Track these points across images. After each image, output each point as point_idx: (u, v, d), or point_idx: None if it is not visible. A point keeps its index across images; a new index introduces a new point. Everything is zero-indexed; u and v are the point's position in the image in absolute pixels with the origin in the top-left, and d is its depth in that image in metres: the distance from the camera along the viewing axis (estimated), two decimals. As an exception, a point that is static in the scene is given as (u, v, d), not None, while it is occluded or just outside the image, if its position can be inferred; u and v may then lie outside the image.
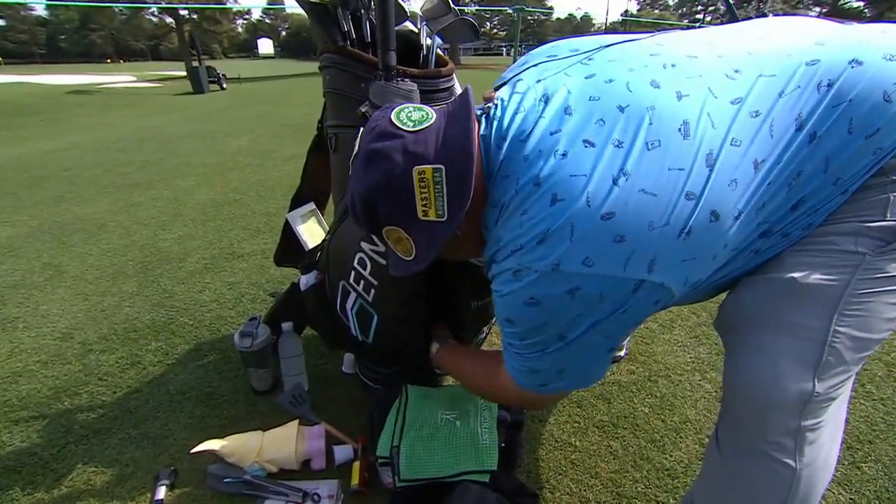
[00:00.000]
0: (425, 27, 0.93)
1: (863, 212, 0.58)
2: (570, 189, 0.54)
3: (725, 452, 0.68)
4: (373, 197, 0.62)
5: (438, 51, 0.97)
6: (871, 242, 0.58)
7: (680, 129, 0.55)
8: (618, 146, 0.55)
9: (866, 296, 0.58)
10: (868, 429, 1.20)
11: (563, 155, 0.56)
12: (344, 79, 0.87)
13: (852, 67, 0.56)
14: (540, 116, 0.59)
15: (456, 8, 0.91)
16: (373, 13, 0.85)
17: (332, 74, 0.90)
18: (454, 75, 0.96)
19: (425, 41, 0.93)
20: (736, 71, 0.58)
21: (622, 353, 1.44)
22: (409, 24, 0.96)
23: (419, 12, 0.93)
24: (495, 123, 0.62)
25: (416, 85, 0.77)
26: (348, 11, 0.85)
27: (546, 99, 0.60)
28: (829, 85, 0.55)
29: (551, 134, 0.57)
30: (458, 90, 1.02)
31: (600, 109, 0.57)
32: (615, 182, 0.54)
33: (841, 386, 0.61)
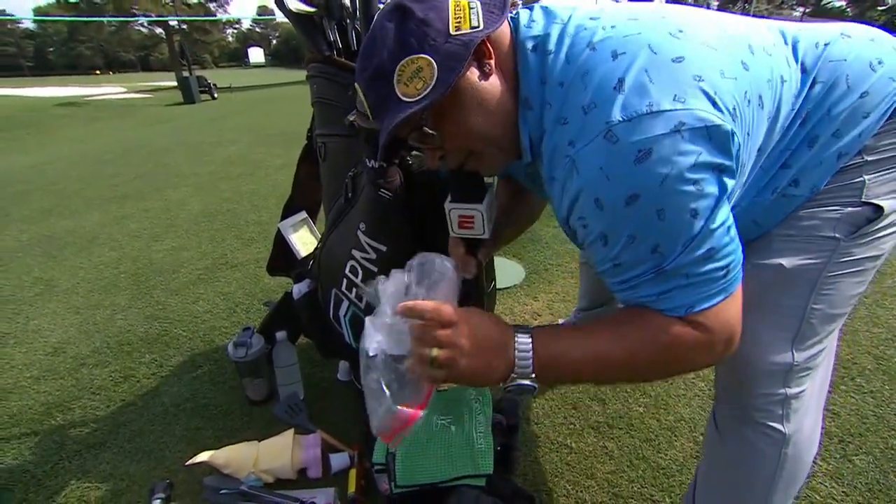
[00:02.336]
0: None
1: (843, 194, 0.63)
2: (630, 44, 0.52)
3: (721, 428, 0.75)
4: (408, 3, 0.55)
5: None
6: (846, 228, 0.63)
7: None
8: (662, 18, 0.57)
9: (837, 277, 0.65)
10: (858, 422, 1.21)
11: (612, 27, 0.55)
12: (331, 88, 0.88)
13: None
14: (574, 9, 0.60)
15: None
16: (357, 22, 0.86)
17: (319, 84, 0.90)
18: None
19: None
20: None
21: None
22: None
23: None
24: (525, 13, 0.61)
25: (402, 93, 0.78)
26: (334, 21, 0.85)
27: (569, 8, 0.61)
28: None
29: (591, 19, 0.58)
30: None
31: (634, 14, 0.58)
32: (673, 35, 0.54)
33: (816, 357, 0.68)
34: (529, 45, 0.58)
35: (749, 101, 0.55)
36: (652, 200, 0.50)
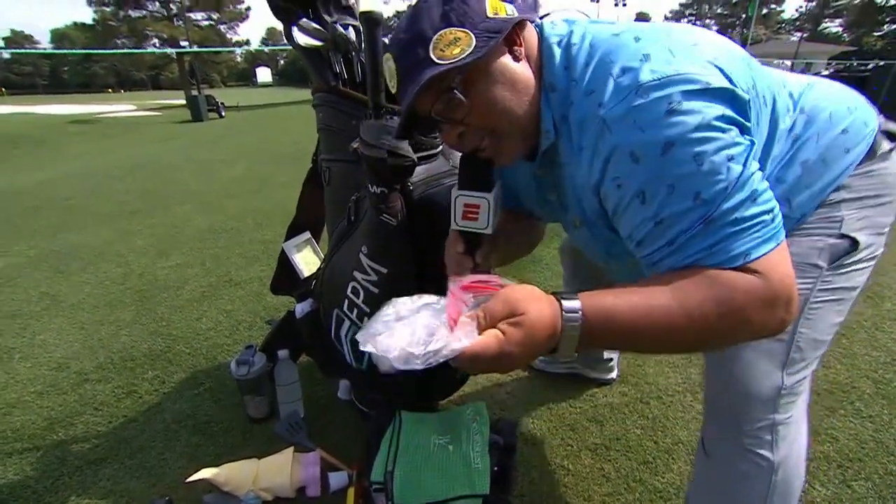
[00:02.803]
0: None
1: (825, 225, 0.69)
2: (650, 31, 0.59)
3: (710, 453, 0.75)
4: None
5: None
6: (828, 257, 0.69)
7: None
8: (670, 26, 0.63)
9: (821, 304, 0.69)
10: (857, 447, 1.21)
11: (630, 26, 0.62)
12: (336, 116, 0.92)
13: None
14: (592, 19, 0.67)
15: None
16: (362, 55, 0.90)
17: (325, 112, 0.95)
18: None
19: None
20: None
21: (614, 375, 1.46)
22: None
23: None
24: (548, 22, 0.67)
25: (404, 123, 0.82)
26: (340, 54, 0.90)
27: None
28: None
29: (609, 23, 0.65)
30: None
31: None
32: (686, 31, 0.60)
33: (802, 382, 0.71)
34: (554, 40, 0.64)
35: (757, 93, 0.60)
36: (687, 146, 0.52)
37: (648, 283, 0.56)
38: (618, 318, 0.53)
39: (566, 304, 0.52)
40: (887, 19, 42.34)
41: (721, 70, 0.54)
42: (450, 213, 0.74)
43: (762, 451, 0.69)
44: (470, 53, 0.57)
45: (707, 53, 0.56)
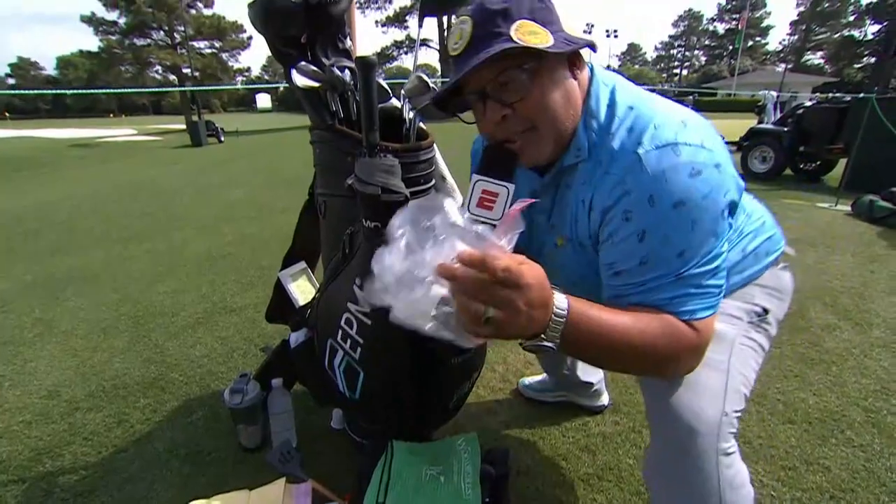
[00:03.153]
0: (407, 104, 1.03)
1: (746, 297, 0.86)
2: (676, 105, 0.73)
3: (658, 479, 0.76)
4: None
5: (420, 124, 1.07)
6: (747, 315, 0.84)
7: None
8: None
9: (744, 346, 0.81)
10: (849, 476, 1.21)
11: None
12: (332, 153, 0.96)
13: None
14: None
15: (434, 88, 1.01)
16: (358, 94, 0.95)
17: (321, 149, 0.99)
18: (434, 146, 1.06)
19: (408, 116, 1.03)
20: None
21: (604, 402, 1.47)
22: (394, 101, 1.07)
23: (402, 91, 1.04)
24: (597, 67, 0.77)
25: (397, 160, 0.86)
26: (336, 94, 0.95)
27: None
28: None
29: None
30: (440, 161, 1.11)
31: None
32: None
33: (739, 412, 0.75)
34: (603, 79, 0.74)
35: (733, 176, 0.70)
36: (692, 210, 0.63)
37: (622, 309, 0.66)
38: (596, 322, 0.61)
39: (557, 297, 0.58)
40: (865, 52, 44.06)
41: (730, 154, 0.68)
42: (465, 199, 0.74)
43: (708, 483, 0.69)
44: (548, 47, 0.63)
45: (719, 139, 0.69)
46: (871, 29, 45.49)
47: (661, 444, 0.75)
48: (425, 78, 0.99)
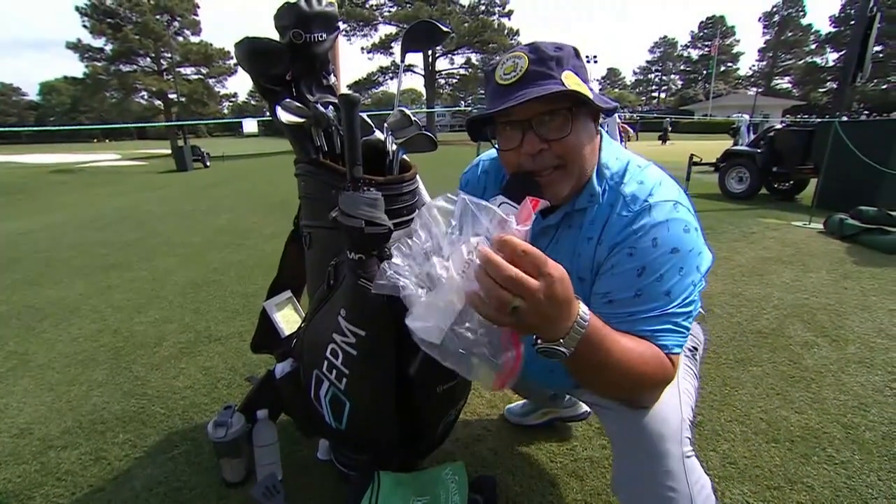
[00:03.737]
0: (391, 136, 1.06)
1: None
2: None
3: (626, 501, 0.82)
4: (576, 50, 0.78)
5: (404, 157, 1.10)
6: (688, 350, 0.97)
7: None
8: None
9: (687, 368, 0.93)
10: (832, 494, 1.23)
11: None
12: (316, 186, 0.98)
13: None
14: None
15: (416, 121, 1.05)
16: (341, 129, 0.98)
17: (306, 181, 1.01)
18: (417, 177, 1.09)
19: (391, 148, 1.06)
20: None
21: (586, 409, 1.48)
22: (378, 134, 1.10)
23: (385, 124, 1.07)
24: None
25: (380, 193, 0.88)
26: (321, 129, 0.97)
27: None
28: None
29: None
30: (423, 191, 1.14)
31: None
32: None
33: (692, 420, 0.83)
34: (608, 140, 0.87)
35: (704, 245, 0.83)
36: (683, 258, 0.74)
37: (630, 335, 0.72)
38: (609, 337, 0.65)
39: (581, 304, 0.61)
40: (828, 78, 46.47)
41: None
42: None
43: (677, 486, 0.74)
44: (593, 98, 0.74)
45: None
46: (832, 56, 48.19)
47: (630, 454, 0.79)
48: (407, 112, 1.03)
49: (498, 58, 0.80)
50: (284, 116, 0.90)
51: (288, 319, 1.35)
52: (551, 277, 0.53)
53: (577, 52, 0.78)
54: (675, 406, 0.81)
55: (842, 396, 1.67)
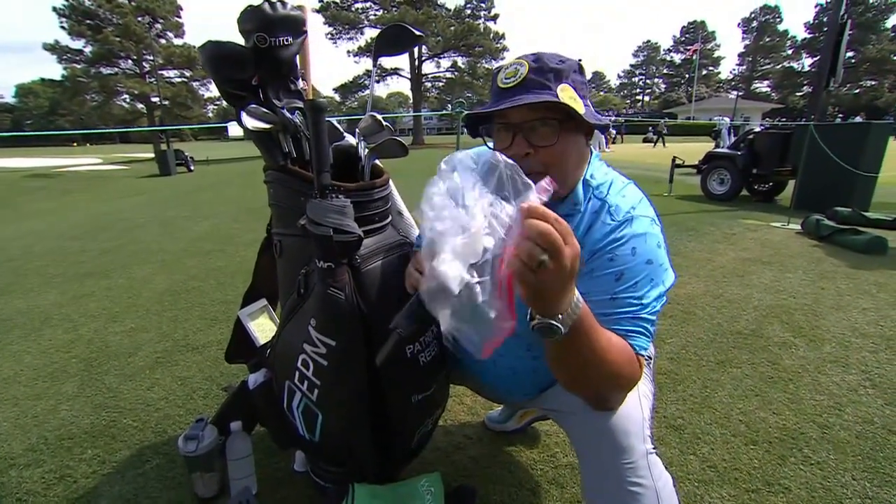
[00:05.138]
0: (363, 142, 1.04)
1: None
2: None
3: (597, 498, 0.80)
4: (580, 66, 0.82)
5: (377, 162, 1.08)
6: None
7: None
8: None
9: (646, 371, 0.94)
10: (808, 496, 1.24)
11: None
12: (285, 193, 0.96)
13: None
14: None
15: (388, 125, 1.03)
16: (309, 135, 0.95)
17: (274, 188, 0.99)
18: (390, 183, 1.07)
19: (363, 153, 1.04)
20: None
21: None
22: (350, 139, 1.08)
23: (357, 129, 1.05)
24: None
25: (348, 200, 0.86)
26: (289, 135, 0.95)
27: None
28: None
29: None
30: (397, 197, 1.12)
31: None
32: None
33: (651, 418, 0.88)
34: (597, 156, 0.92)
35: None
36: (655, 269, 0.79)
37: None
38: (595, 325, 0.68)
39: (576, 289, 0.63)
40: (805, 82, 47.85)
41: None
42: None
43: (643, 481, 0.76)
44: (583, 114, 0.77)
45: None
46: (808, 62, 49.60)
47: (595, 454, 0.80)
48: (378, 117, 1.01)
49: (505, 61, 0.84)
50: (250, 122, 0.88)
51: (262, 328, 1.32)
52: (575, 247, 0.57)
53: (580, 68, 0.82)
54: (636, 405, 0.84)
55: (818, 396, 1.69)
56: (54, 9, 24.63)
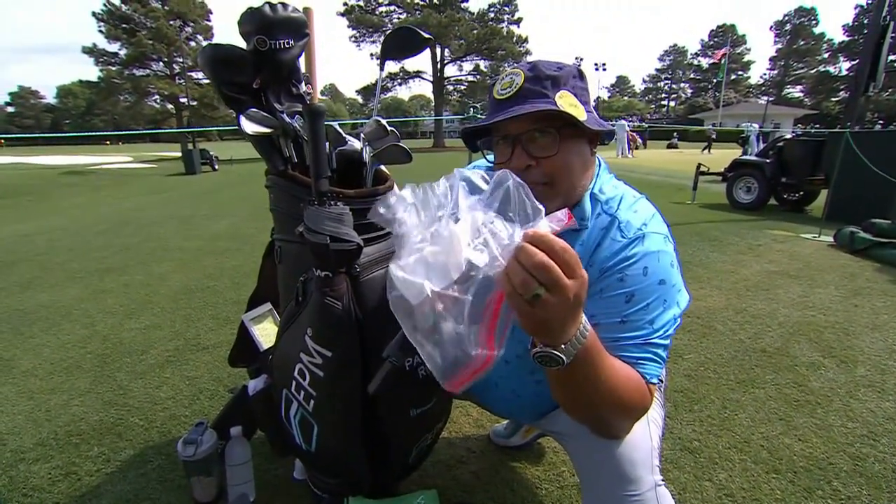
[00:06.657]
0: (367, 147, 1.01)
1: None
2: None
3: None
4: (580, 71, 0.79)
5: (383, 168, 1.05)
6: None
7: None
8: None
9: (656, 394, 0.87)
10: (836, 533, 1.15)
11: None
12: (285, 199, 0.94)
13: None
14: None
15: (392, 130, 1.00)
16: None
17: (275, 194, 0.97)
18: (395, 189, 1.04)
19: (368, 159, 1.01)
20: None
21: None
22: (355, 143, 1.05)
23: (361, 134, 1.02)
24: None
25: (347, 208, 0.83)
26: (289, 139, 0.93)
27: None
28: None
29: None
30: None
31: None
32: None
33: (660, 446, 0.83)
34: (605, 167, 0.87)
35: None
36: (667, 290, 0.75)
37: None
38: (602, 353, 0.64)
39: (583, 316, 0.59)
40: (841, 87, 46.04)
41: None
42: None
43: None
44: (584, 121, 0.73)
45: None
46: (845, 65, 47.77)
47: (599, 483, 0.76)
48: (383, 122, 0.98)
49: (502, 73, 0.81)
50: (249, 127, 0.86)
51: (267, 333, 1.30)
52: (583, 278, 0.53)
53: (579, 73, 0.78)
54: (644, 432, 0.79)
55: (850, 424, 1.58)
56: (93, 13, 25.65)
